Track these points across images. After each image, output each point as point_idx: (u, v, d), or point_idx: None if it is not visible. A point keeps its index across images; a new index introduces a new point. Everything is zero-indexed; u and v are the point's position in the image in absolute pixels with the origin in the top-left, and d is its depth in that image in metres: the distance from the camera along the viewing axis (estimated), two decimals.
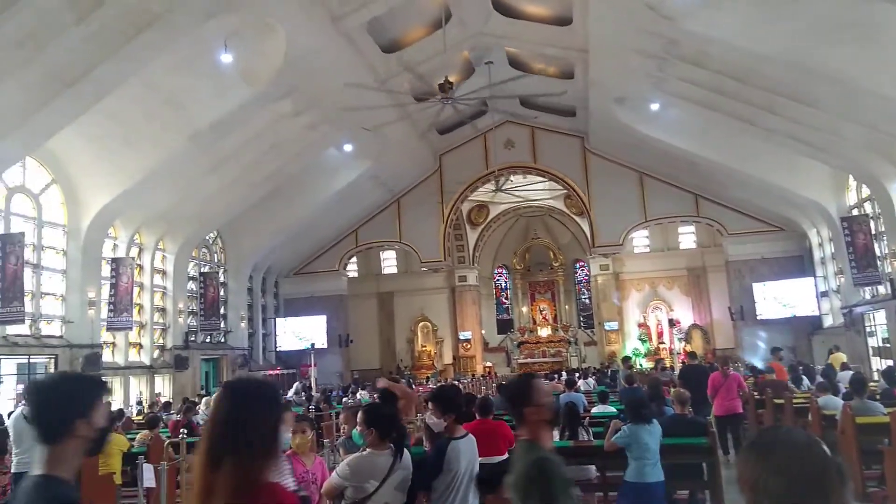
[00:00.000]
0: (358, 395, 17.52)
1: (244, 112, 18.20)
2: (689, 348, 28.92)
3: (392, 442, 3.73)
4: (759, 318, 25.98)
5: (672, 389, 9.50)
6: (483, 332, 34.04)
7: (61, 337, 18.03)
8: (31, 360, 17.37)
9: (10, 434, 5.99)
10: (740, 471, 1.49)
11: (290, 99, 19.01)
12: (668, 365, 22.93)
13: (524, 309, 35.47)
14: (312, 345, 27.08)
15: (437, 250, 29.42)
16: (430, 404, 5.12)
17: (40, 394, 1.99)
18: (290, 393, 19.53)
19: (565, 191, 30.35)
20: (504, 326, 36.10)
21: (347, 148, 23.61)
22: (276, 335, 29.47)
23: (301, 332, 28.64)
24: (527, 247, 35.58)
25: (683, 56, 16.62)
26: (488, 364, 32.39)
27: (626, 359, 17.96)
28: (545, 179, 30.09)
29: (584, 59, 19.68)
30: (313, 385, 23.65)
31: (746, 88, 16.72)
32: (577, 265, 35.79)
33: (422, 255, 29.78)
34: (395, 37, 19.79)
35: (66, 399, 1.92)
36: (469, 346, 32.30)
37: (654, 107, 20.51)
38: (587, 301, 35.00)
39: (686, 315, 30.69)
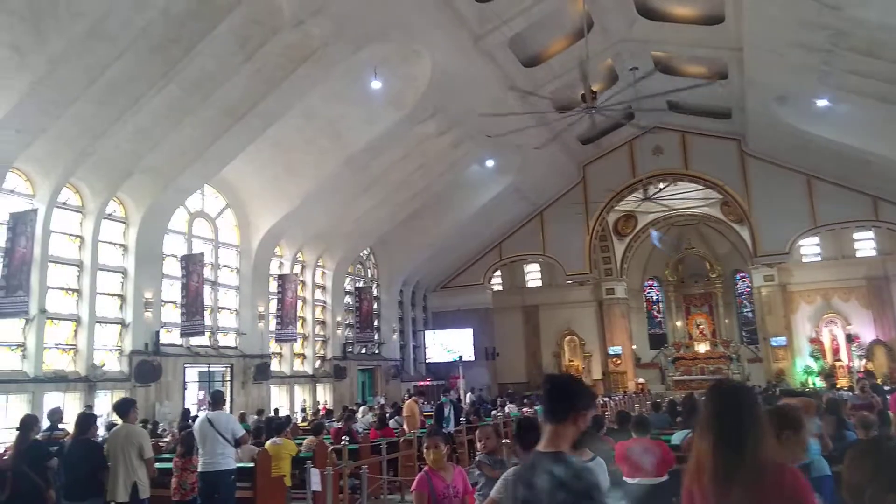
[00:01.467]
0: (507, 409, 17.53)
1: (393, 135, 19.11)
2: (869, 366, 25.98)
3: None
4: None
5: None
6: (634, 347, 32.74)
7: (236, 348, 19.79)
8: (211, 369, 19.21)
9: (196, 437, 6.62)
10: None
11: (434, 119, 19.67)
12: (846, 385, 20.68)
13: (678, 323, 33.71)
14: (460, 357, 27.55)
15: (582, 262, 28.85)
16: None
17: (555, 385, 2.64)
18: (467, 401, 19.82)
19: (721, 197, 28.58)
20: (657, 341, 34.49)
21: (490, 163, 23.91)
22: (425, 347, 30.32)
23: (449, 345, 29.23)
24: (679, 257, 33.86)
25: (853, 47, 15.08)
26: (641, 381, 31.06)
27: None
28: (699, 187, 28.52)
29: (739, 57, 18.51)
30: (462, 397, 24.01)
31: None
32: (738, 276, 33.44)
33: (566, 268, 29.34)
34: (535, 51, 19.83)
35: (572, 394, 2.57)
36: (619, 361, 31.21)
37: (821, 103, 18.78)
38: (750, 314, 32.57)
39: (866, 329, 27.55)
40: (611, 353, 31.27)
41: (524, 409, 18.39)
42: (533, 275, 34.51)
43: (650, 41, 20.30)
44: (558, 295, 31.93)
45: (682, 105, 23.31)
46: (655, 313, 35.35)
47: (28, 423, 6.28)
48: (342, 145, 18.83)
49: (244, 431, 6.82)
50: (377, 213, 22.96)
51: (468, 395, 22.14)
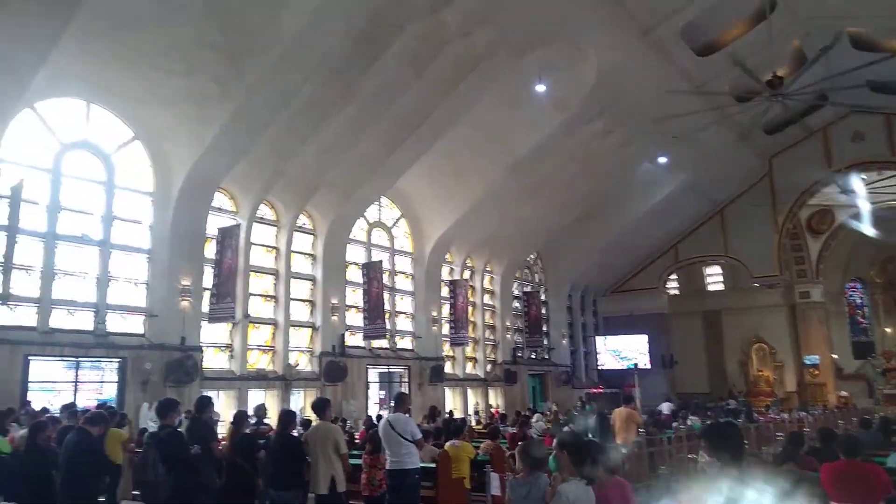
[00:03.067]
0: (689, 421, 16.55)
1: (558, 137, 18.93)
2: None
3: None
4: None
5: None
6: (835, 356, 29.38)
7: (412, 350, 20.67)
8: (390, 370, 20.23)
9: (382, 438, 6.97)
10: None
11: (601, 119, 19.18)
12: None
13: (888, 329, 29.77)
14: (635, 364, 26.51)
15: (770, 264, 26.50)
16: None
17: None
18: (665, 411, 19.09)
19: None
20: (862, 350, 30.66)
21: (662, 160, 22.79)
22: (596, 353, 29.57)
23: (622, 351, 28.25)
24: (888, 255, 29.89)
25: None
26: (843, 394, 27.78)
27: None
28: None
29: None
30: (638, 406, 23.05)
31: None
32: None
33: (752, 270, 27.10)
34: (710, 38, 18.56)
35: None
36: (817, 372, 28.17)
37: None
38: None
39: None
40: (807, 362, 28.33)
41: (709, 423, 17.21)
42: (714, 277, 32.30)
43: (844, 16, 18.19)
44: (744, 299, 29.50)
45: (887, 83, 20.57)
46: (859, 319, 31.51)
47: (240, 418, 7.04)
48: (508, 151, 19.02)
49: (420, 435, 7.05)
50: (543, 217, 22.83)
51: (664, 404, 21.16)
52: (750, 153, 25.61)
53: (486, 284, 24.68)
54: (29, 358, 12.06)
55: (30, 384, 12.04)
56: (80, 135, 13.58)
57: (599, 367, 29.32)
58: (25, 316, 12.35)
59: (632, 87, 18.35)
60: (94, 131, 13.81)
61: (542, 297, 27.34)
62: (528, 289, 26.75)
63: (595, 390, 27.16)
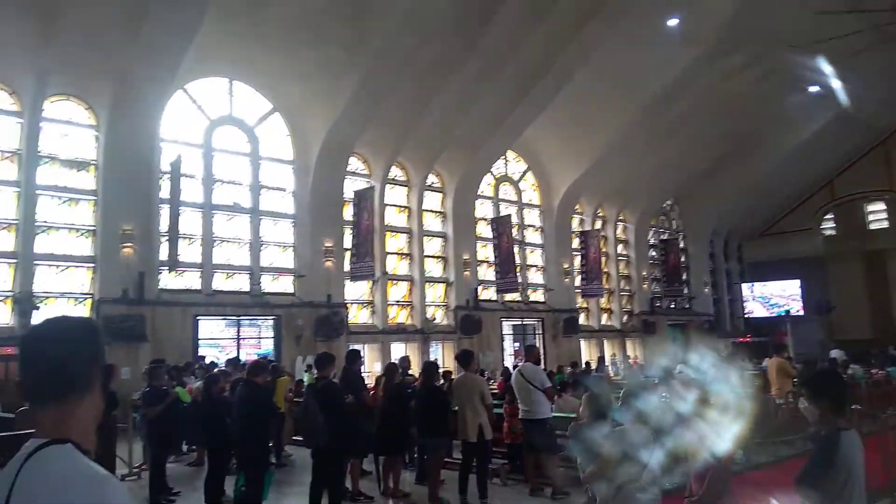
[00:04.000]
0: (850, 370, 15.32)
1: (692, 75, 17.71)
2: None
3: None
4: None
5: None
6: None
7: (544, 303, 20.64)
8: (524, 322, 20.37)
9: (514, 388, 7.07)
10: None
11: (741, 50, 17.65)
12: None
13: None
14: (787, 311, 24.83)
15: None
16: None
17: None
18: (764, 363, 18.23)
19: None
20: None
21: (813, 89, 20.68)
22: (742, 301, 27.96)
23: (771, 298, 26.52)
24: None
25: None
26: None
27: None
28: None
29: None
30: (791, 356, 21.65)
31: None
32: None
33: None
34: None
35: None
36: None
37: None
38: None
39: None
40: None
41: (874, 371, 15.90)
42: (877, 215, 29.18)
43: None
44: None
45: None
46: None
47: (391, 370, 7.43)
48: (637, 94, 18.09)
49: (549, 384, 7.06)
50: (679, 161, 21.66)
51: (835, 351, 19.78)
52: None
53: (620, 234, 23.98)
54: (197, 318, 13.42)
55: (199, 341, 13.43)
56: (225, 110, 14.65)
57: (746, 316, 27.75)
58: (192, 280, 13.72)
59: (776, 12, 16.66)
60: (238, 107, 14.84)
61: (681, 245, 26.16)
62: (666, 236, 25.67)
63: (742, 339, 25.78)
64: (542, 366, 16.52)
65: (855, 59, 17.79)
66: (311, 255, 14.99)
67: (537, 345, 20.09)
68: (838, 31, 16.40)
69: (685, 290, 25.61)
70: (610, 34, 15.68)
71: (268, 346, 14.59)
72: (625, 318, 23.32)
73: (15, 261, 11.61)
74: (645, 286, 23.99)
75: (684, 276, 25.79)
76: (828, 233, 28.63)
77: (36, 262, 11.80)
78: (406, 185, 17.82)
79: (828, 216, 28.41)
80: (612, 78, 17.64)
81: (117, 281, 12.15)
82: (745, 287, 28.02)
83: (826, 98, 21.18)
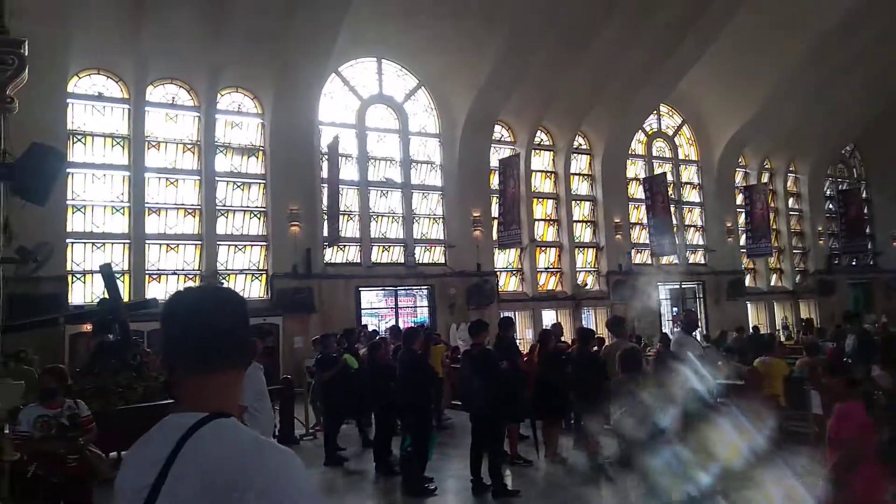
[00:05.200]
0: None
1: (870, 3, 15.58)
2: None
3: None
4: None
5: None
6: None
7: (705, 265, 19.50)
8: (682, 286, 19.40)
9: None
10: None
11: None
12: None
13: None
14: None
15: None
16: None
17: None
18: None
19: None
20: None
21: None
22: None
23: None
24: None
25: None
26: None
27: None
28: None
29: None
30: None
31: None
32: None
33: None
34: None
35: None
36: None
37: None
38: None
39: None
40: None
41: None
42: None
43: None
44: None
45: None
46: None
47: (546, 337, 7.46)
48: (805, 30, 16.24)
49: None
50: (859, 101, 19.32)
51: None
52: None
53: (790, 186, 21.97)
54: (359, 289, 14.25)
55: (361, 311, 14.28)
56: (375, 89, 15.23)
57: None
58: (352, 254, 14.57)
59: None
60: (387, 85, 15.37)
61: (864, 195, 23.44)
62: (845, 186, 23.13)
63: None
64: (702, 332, 15.68)
65: None
66: (460, 225, 15.30)
67: (698, 309, 19.15)
68: None
69: (869, 245, 22.98)
70: None
71: (423, 314, 15.17)
72: (798, 278, 21.43)
73: (200, 242, 12.99)
74: (821, 242, 21.86)
75: (868, 230, 23.13)
76: None
77: (218, 242, 13.12)
78: (552, 150, 17.51)
79: None
80: (775, 15, 15.97)
81: (287, 257, 13.21)
82: None
83: None
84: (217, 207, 13.23)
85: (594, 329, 9.29)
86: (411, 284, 15.11)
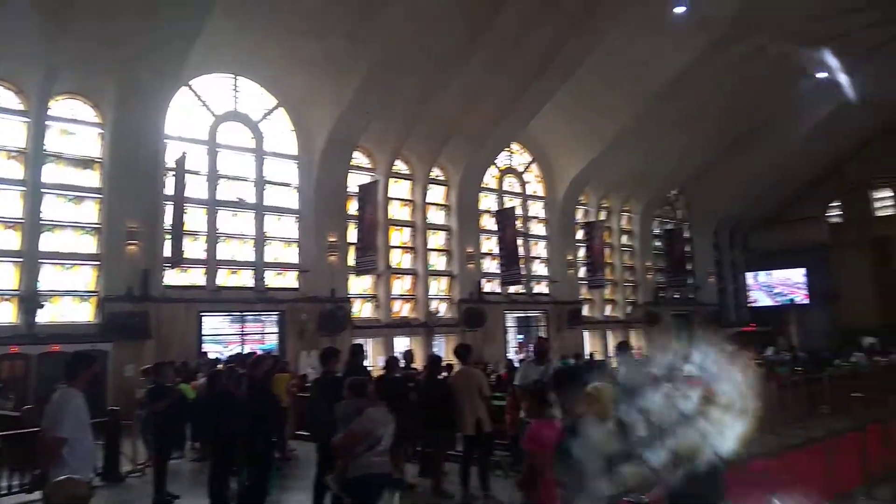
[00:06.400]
0: (853, 358, 15.31)
1: (702, 61, 17.58)
2: None
3: None
4: None
5: None
6: None
7: (549, 295, 20.65)
8: (528, 315, 20.40)
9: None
10: None
11: (753, 35, 17.47)
12: None
13: None
14: (791, 300, 24.78)
15: None
16: None
17: None
18: (768, 352, 18.29)
19: None
20: None
21: (821, 75, 20.52)
22: (747, 290, 27.89)
23: (775, 287, 26.45)
24: None
25: None
26: None
27: None
28: None
29: None
30: (794, 344, 21.66)
31: None
32: None
33: None
34: None
35: None
36: None
37: None
38: None
39: None
40: None
41: (877, 359, 15.86)
42: (884, 202, 28.99)
43: None
44: None
45: None
46: None
47: (391, 364, 7.48)
48: (645, 82, 17.97)
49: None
50: (686, 149, 21.57)
51: (866, 338, 20.00)
52: None
53: (624, 224, 23.94)
54: (202, 314, 13.49)
55: (203, 337, 13.51)
56: (230, 106, 14.68)
57: (750, 305, 27.68)
58: (196, 277, 13.79)
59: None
60: (243, 102, 14.88)
61: (686, 235, 26.08)
62: (670, 226, 25.61)
63: (746, 329, 25.75)
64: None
65: (866, 42, 17.65)
66: (315, 249, 15.05)
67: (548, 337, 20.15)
68: (849, 20, 16.29)
69: (689, 280, 25.55)
70: (617, 23, 15.60)
71: (272, 341, 14.67)
72: (629, 308, 23.30)
73: (20, 259, 11.68)
74: (649, 276, 23.96)
75: (689, 266, 25.72)
76: (833, 220, 28.50)
77: (41, 260, 11.87)
78: (410, 179, 17.83)
79: (833, 204, 28.27)
80: (620, 67, 17.53)
81: (122, 278, 12.22)
82: (749, 276, 27.95)
83: (834, 85, 21.03)
84: (42, 222, 11.98)
85: (441, 356, 9.48)
86: (260, 310, 14.57)
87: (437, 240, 18.24)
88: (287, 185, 15.36)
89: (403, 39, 13.68)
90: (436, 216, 18.31)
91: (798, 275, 25.88)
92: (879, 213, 28.94)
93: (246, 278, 14.50)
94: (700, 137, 21.09)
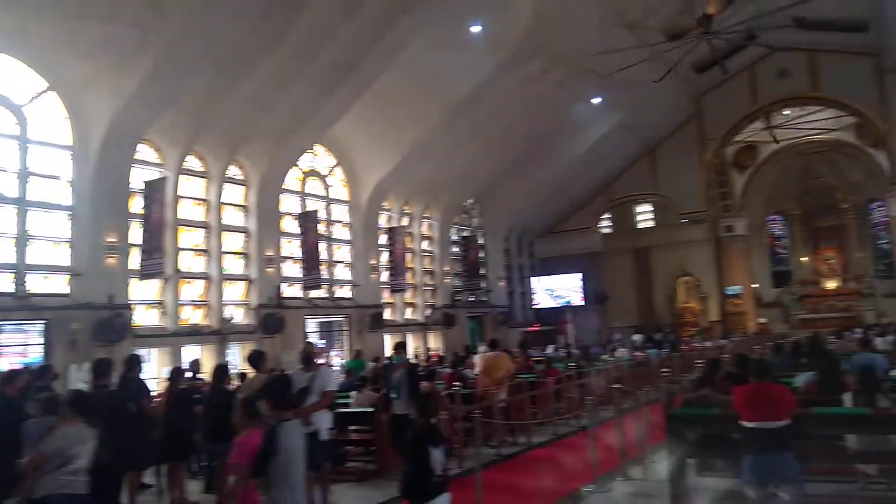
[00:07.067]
0: (618, 353, 17.32)
1: (495, 79, 18.81)
2: None
3: None
4: None
5: None
6: (755, 286, 31.06)
7: (351, 299, 20.71)
8: (329, 319, 20.28)
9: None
10: None
11: (538, 59, 19.14)
12: None
13: (805, 259, 31.54)
14: (568, 302, 27.39)
15: (697, 200, 27.55)
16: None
17: None
18: (549, 350, 20.07)
19: (855, 120, 26.08)
20: (781, 279, 32.43)
21: (597, 101, 23.06)
22: (532, 293, 30.33)
23: (556, 290, 29.09)
24: (806, 189, 31.36)
25: None
26: (762, 321, 29.57)
27: None
28: (833, 112, 26.10)
29: None
30: (571, 342, 23.97)
31: None
32: (873, 205, 30.56)
33: (681, 206, 28.14)
34: None
35: None
36: (739, 301, 29.76)
37: None
38: (887, 246, 29.88)
39: None
40: (729, 293, 29.84)
41: (636, 353, 18.13)
42: (644, 215, 33.32)
43: None
44: (672, 235, 30.64)
45: (811, 20, 21.13)
46: (779, 249, 33.20)
47: (175, 374, 7.01)
48: (444, 94, 18.81)
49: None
50: (481, 160, 22.91)
51: (636, 336, 22.44)
52: (681, 92, 26.17)
53: (425, 230, 24.76)
54: None
55: None
56: None
57: (535, 307, 30.14)
58: None
59: (566, 26, 18.31)
60: (5, 83, 12.94)
61: (480, 241, 27.67)
62: (467, 233, 27.00)
63: (531, 329, 28.02)
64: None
65: (633, 76, 20.11)
66: (90, 251, 13.54)
67: (344, 340, 20.20)
68: (624, 53, 18.46)
69: (483, 284, 27.14)
70: (418, 35, 16.12)
71: (37, 353, 12.95)
72: (428, 311, 24.14)
73: None
74: (447, 280, 25.04)
75: (483, 271, 27.32)
76: (605, 231, 32.07)
77: None
78: (204, 177, 16.80)
79: (605, 216, 31.83)
80: (422, 77, 18.16)
81: None
82: (534, 280, 30.44)
83: (608, 109, 23.74)
84: None
85: (234, 364, 9.09)
86: (22, 318, 12.79)
87: (233, 243, 17.41)
88: (57, 177, 13.66)
89: (197, 31, 12.88)
90: (233, 217, 17.47)
91: (575, 279, 28.67)
92: (641, 226, 33.20)
93: (5, 283, 12.65)
94: (493, 150, 22.55)
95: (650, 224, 32.96)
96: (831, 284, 30.05)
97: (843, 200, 30.29)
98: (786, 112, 27.16)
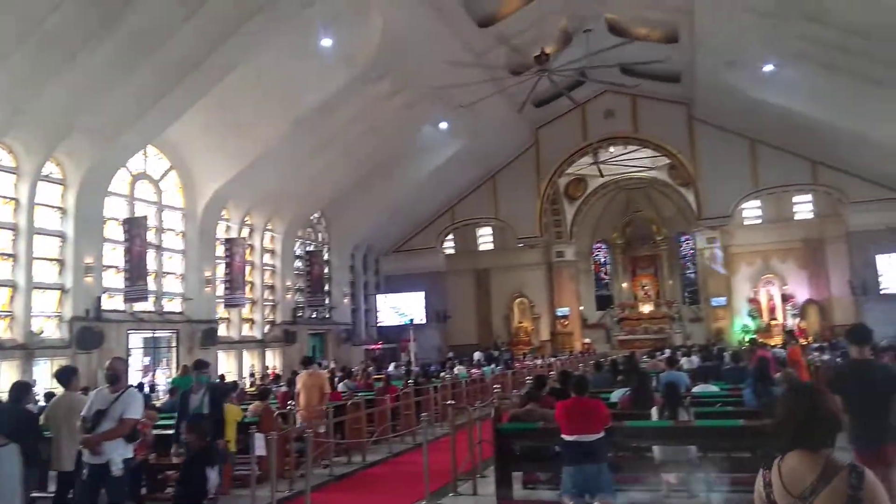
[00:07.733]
0: (456, 370, 17.78)
1: (345, 94, 18.72)
2: (803, 325, 27.41)
3: None
4: (882, 291, 24.10)
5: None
6: (581, 308, 33.54)
7: (181, 313, 19.41)
8: (156, 335, 18.86)
9: None
10: None
11: (387, 79, 19.35)
12: (780, 342, 21.61)
13: (625, 284, 34.57)
14: (411, 320, 27.72)
15: (533, 226, 29.17)
16: None
17: None
18: (391, 367, 20.15)
19: (669, 161, 29.16)
20: (604, 302, 35.34)
21: (443, 126, 23.74)
22: (376, 311, 30.36)
23: (401, 308, 29.35)
24: (627, 220, 34.52)
25: (801, 12, 15.40)
26: (587, 341, 31.94)
27: (752, 341, 17.42)
28: (651, 152, 29.04)
29: (690, 20, 18.70)
30: (413, 359, 24.26)
31: (873, 45, 15.31)
32: (682, 238, 34.33)
33: (518, 231, 29.63)
34: (490, 10, 19.58)
35: None
36: (567, 322, 31.97)
37: (768, 68, 19.16)
38: (693, 276, 33.62)
39: (801, 290, 28.86)
40: (559, 314, 31.96)
41: (472, 371, 18.74)
42: (485, 238, 34.76)
43: (605, 2, 20.34)
44: (510, 258, 32.34)
45: (634, 69, 23.47)
46: (603, 275, 36.12)
47: None
48: (293, 105, 18.36)
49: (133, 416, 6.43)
50: (328, 175, 22.62)
51: (477, 353, 23.14)
52: (522, 124, 27.68)
53: (267, 243, 23.90)
54: None
55: None
56: None
57: (379, 325, 30.17)
58: None
59: (417, 50, 18.74)
60: None
61: (325, 257, 27.26)
62: (311, 248, 26.47)
63: (374, 346, 28.00)
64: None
65: (477, 105, 21.03)
66: None
67: (172, 357, 18.89)
68: (468, 79, 19.23)
69: (327, 301, 26.72)
70: (268, 40, 15.62)
71: None
72: (267, 328, 23.27)
73: None
74: (289, 296, 24.32)
75: (327, 287, 26.90)
76: (448, 252, 32.97)
77: None
78: (14, 173, 15.02)
79: (448, 237, 32.75)
80: (270, 85, 17.60)
81: None
82: (380, 298, 30.51)
83: (453, 134, 24.53)
84: None
85: (29, 383, 8.13)
86: None
87: (46, 248, 15.68)
88: None
89: (14, 12, 11.59)
90: (47, 220, 15.75)
91: (419, 297, 29.12)
92: (482, 248, 34.56)
93: None
94: (340, 165, 22.39)
95: (490, 247, 34.42)
96: (646, 308, 33.11)
97: (658, 233, 33.67)
98: (611, 149, 29.71)
